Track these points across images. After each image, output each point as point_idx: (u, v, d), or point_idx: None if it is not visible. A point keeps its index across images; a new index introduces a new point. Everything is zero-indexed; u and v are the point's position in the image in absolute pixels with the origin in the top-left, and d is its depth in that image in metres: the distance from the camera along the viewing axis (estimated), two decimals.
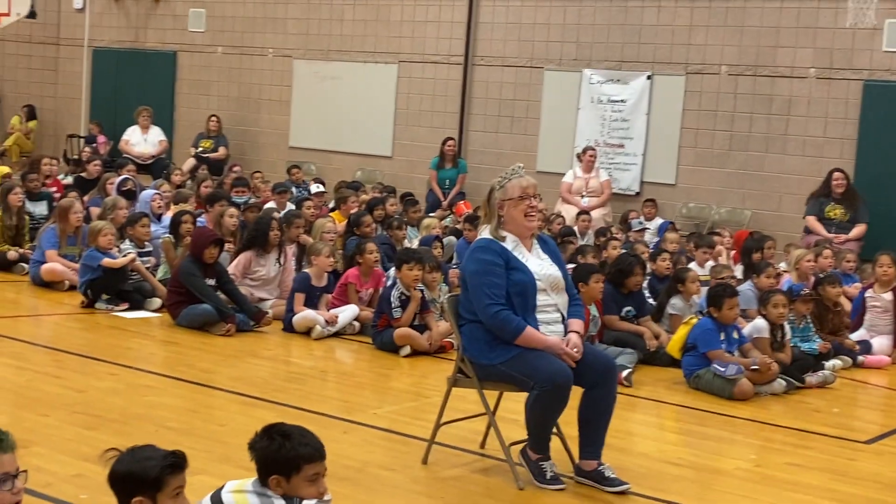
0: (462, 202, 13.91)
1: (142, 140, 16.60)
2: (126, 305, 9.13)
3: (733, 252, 11.57)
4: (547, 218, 11.82)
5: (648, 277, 9.40)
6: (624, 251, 9.88)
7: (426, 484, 5.22)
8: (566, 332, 5.24)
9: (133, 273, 9.38)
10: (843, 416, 7.42)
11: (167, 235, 9.87)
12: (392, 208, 12.20)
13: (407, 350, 8.15)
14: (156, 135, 16.71)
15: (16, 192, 11.01)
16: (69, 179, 14.56)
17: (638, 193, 14.07)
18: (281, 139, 16.94)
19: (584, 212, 12.90)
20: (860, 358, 8.91)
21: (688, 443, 6.50)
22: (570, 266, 7.55)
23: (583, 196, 13.57)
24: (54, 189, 12.80)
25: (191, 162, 16.04)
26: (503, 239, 5.25)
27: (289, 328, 8.75)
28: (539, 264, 5.27)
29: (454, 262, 10.82)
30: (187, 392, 6.78)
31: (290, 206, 12.00)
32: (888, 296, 9.27)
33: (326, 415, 6.26)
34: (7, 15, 16.83)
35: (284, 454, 3.41)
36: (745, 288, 9.13)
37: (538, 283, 5.19)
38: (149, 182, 14.27)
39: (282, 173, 15.22)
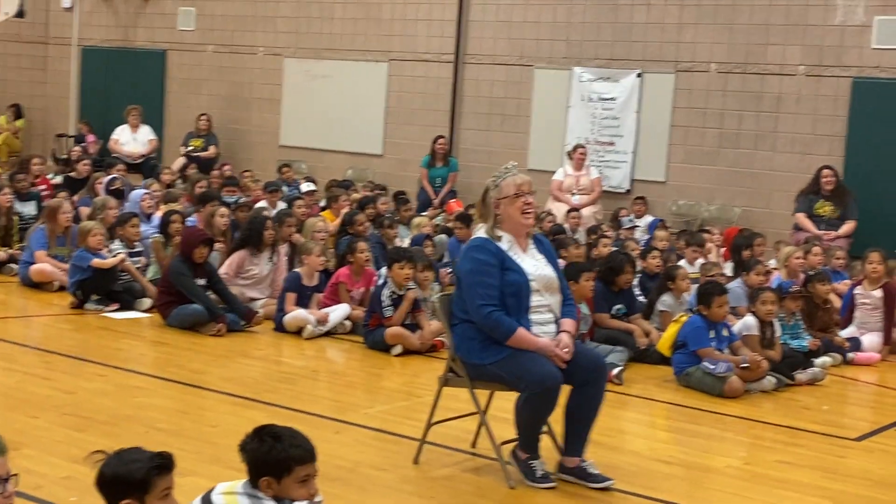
0: (453, 200, 13.90)
1: (131, 139, 16.51)
2: (116, 306, 9.12)
3: (723, 249, 11.58)
4: (538, 216, 11.80)
5: (639, 275, 9.42)
6: (614, 249, 9.88)
7: (417, 483, 5.22)
8: (559, 332, 5.24)
9: (123, 273, 9.36)
10: (833, 413, 7.44)
11: (157, 235, 9.85)
12: (384, 207, 12.16)
13: (398, 349, 8.15)
14: (145, 134, 16.63)
15: (4, 193, 10.97)
16: (58, 179, 14.51)
17: (628, 191, 14.07)
18: (271, 138, 16.89)
19: (574, 209, 12.91)
20: (850, 355, 8.93)
21: (678, 440, 6.51)
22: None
23: (573, 194, 13.57)
24: (44, 188, 12.76)
25: (181, 161, 15.99)
26: (499, 238, 5.25)
27: (280, 328, 8.75)
28: (534, 265, 5.27)
29: (445, 260, 10.82)
30: (177, 393, 6.78)
31: (282, 205, 11.97)
32: (878, 293, 9.30)
33: (318, 415, 6.26)
34: None
35: (275, 456, 3.40)
36: (735, 285, 9.15)
37: (532, 283, 5.20)
38: (139, 181, 14.24)
39: (272, 172, 15.19)
